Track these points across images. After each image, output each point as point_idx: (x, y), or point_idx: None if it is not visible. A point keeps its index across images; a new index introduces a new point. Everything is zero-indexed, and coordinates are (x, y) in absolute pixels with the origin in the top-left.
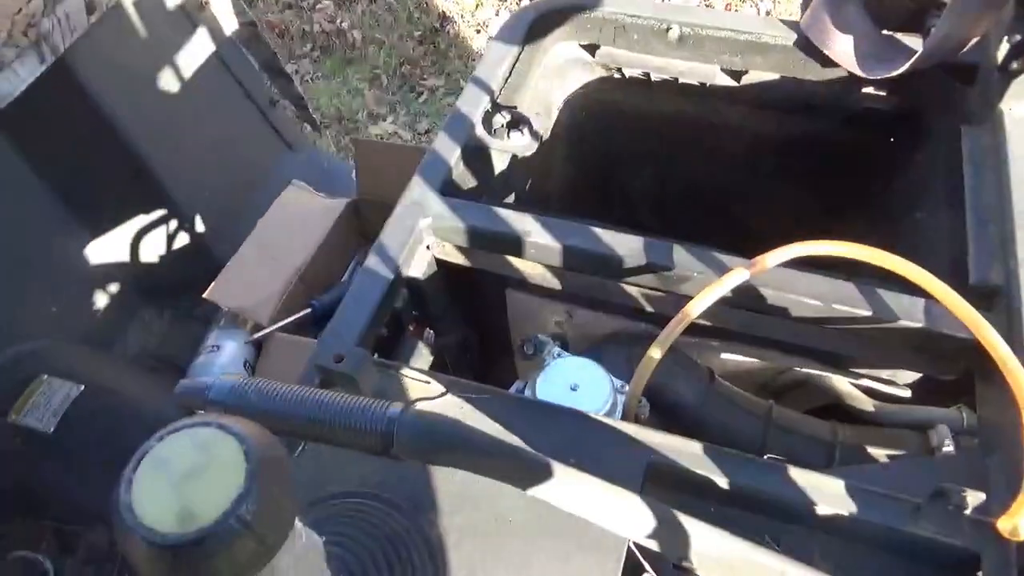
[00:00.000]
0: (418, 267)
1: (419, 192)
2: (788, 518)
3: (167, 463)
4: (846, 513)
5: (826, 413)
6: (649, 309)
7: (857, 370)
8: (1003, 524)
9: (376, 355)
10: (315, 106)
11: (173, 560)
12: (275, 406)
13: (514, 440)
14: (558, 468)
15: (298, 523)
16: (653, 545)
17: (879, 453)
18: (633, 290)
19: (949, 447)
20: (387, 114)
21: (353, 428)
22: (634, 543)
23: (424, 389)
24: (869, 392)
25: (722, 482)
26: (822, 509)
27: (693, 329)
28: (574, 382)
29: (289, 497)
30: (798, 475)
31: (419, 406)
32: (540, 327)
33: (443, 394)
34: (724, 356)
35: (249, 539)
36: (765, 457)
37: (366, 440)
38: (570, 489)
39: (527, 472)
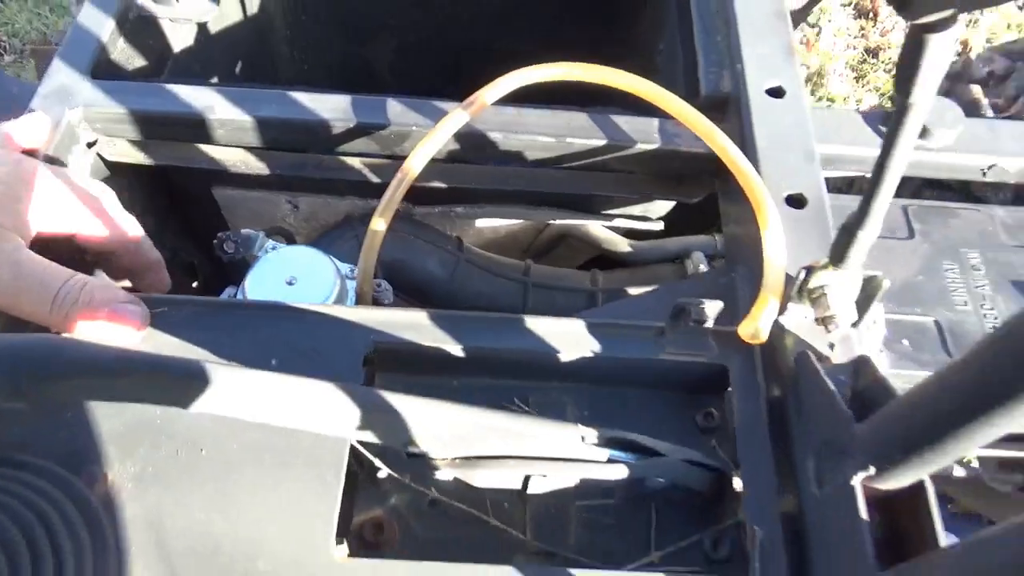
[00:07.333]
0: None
1: (62, 77)
2: (533, 374)
3: None
4: (590, 354)
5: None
6: (376, 180)
7: (609, 212)
8: (744, 329)
9: None
10: (11, 31)
11: None
12: None
13: (196, 352)
14: (235, 374)
15: None
16: (373, 438)
17: (640, 292)
18: (354, 161)
19: (704, 271)
20: None
21: None
22: (358, 441)
23: None
24: (627, 234)
25: (455, 350)
26: (566, 355)
27: (433, 196)
28: (290, 275)
29: None
30: (533, 324)
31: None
32: (268, 226)
33: None
34: (479, 224)
35: None
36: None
37: None
38: (257, 395)
39: (185, 385)
